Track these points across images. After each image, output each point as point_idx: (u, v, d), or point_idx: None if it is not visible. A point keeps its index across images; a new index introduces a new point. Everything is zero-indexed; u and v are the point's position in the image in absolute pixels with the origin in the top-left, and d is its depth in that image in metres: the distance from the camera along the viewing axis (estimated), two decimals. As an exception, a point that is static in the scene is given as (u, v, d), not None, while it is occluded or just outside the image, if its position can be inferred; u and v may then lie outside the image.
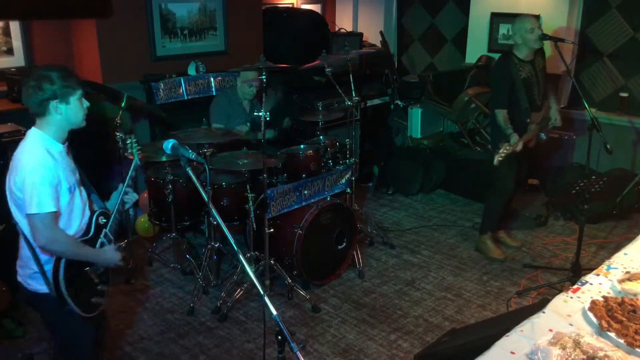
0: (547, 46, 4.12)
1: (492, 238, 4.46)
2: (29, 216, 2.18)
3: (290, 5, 6.69)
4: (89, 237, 2.40)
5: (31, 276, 2.33)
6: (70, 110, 2.26)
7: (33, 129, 2.28)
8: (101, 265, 2.42)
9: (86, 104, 2.33)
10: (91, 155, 4.61)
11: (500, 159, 3.58)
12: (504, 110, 3.97)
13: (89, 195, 2.48)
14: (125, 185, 2.58)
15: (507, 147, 3.59)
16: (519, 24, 3.98)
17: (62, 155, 2.31)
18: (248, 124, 4.38)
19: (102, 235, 2.44)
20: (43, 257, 2.28)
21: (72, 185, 2.32)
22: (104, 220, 2.46)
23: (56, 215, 2.23)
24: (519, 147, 3.77)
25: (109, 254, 2.42)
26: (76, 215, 2.36)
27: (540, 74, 4.08)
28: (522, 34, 3.95)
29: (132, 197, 2.61)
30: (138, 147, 2.73)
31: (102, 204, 2.54)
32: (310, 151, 4.10)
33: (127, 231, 4.16)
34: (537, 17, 4.05)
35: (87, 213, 2.42)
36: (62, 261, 2.25)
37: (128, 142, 2.74)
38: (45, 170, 2.18)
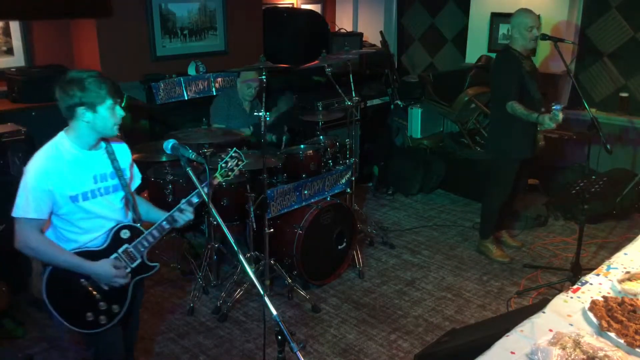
0: (547, 46, 4.12)
1: (493, 241, 4.44)
2: (13, 218, 2.17)
3: (290, 5, 6.68)
4: (101, 249, 2.28)
5: None
6: (97, 119, 2.16)
7: (61, 132, 2.23)
8: (97, 279, 2.26)
9: (121, 113, 2.21)
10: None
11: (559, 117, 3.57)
12: (515, 101, 3.80)
13: (129, 203, 2.37)
14: (185, 201, 2.35)
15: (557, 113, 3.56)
16: (520, 19, 3.88)
17: (79, 161, 2.22)
18: (251, 127, 4.38)
19: (120, 250, 2.30)
20: None
21: (84, 193, 2.22)
22: (128, 235, 2.33)
23: (42, 222, 2.18)
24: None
25: (100, 267, 2.24)
26: (91, 224, 2.26)
27: (535, 71, 4.04)
28: (521, 29, 3.87)
29: (186, 217, 2.35)
30: (234, 166, 2.44)
31: (156, 215, 2.44)
32: (310, 151, 4.10)
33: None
34: (537, 17, 4.00)
35: (112, 222, 2.31)
36: (48, 267, 2.21)
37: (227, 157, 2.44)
38: (38, 176, 2.12)
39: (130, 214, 2.41)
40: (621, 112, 5.31)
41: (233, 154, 2.44)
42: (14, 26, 4.42)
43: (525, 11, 3.92)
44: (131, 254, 2.33)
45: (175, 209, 2.35)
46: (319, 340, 3.41)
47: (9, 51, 4.43)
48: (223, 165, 2.42)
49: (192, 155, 2.24)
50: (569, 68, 4.30)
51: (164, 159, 3.84)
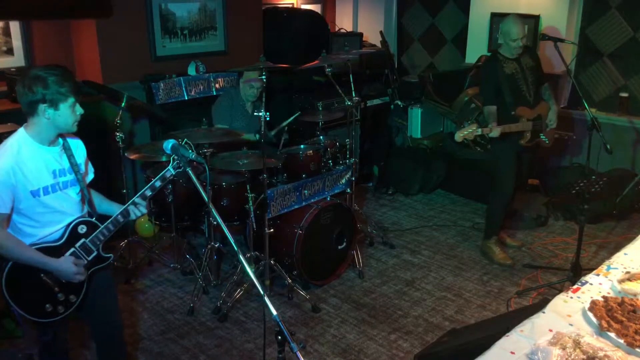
0: (548, 46, 4.13)
1: (497, 242, 4.42)
2: None
3: (290, 5, 6.68)
4: (58, 244, 2.33)
5: None
6: (58, 117, 2.24)
7: (21, 128, 2.29)
8: (58, 275, 2.32)
9: (80, 111, 2.30)
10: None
11: (462, 135, 3.76)
12: (490, 107, 4.07)
13: (86, 200, 2.44)
14: (138, 195, 2.40)
15: (474, 127, 3.77)
16: (506, 28, 4.02)
17: (40, 157, 2.28)
18: (257, 135, 4.37)
19: (77, 245, 2.36)
20: None
21: (45, 188, 2.28)
22: (85, 230, 2.39)
23: (5, 217, 2.23)
24: (495, 133, 3.86)
25: (62, 265, 2.30)
26: (50, 218, 2.33)
27: (528, 71, 4.11)
28: (506, 39, 4.04)
29: (139, 211, 2.42)
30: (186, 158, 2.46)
31: (109, 206, 2.53)
32: (310, 151, 4.10)
33: (127, 231, 4.17)
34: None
35: (70, 216, 2.38)
36: (9, 262, 2.25)
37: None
38: (1, 171, 2.17)
39: (86, 208, 2.49)
40: (621, 112, 5.30)
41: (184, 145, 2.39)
42: (14, 26, 4.42)
43: (514, 21, 4.01)
44: (88, 247, 2.39)
45: (129, 202, 2.41)
46: (319, 340, 3.41)
47: (9, 51, 4.42)
48: (175, 157, 2.34)
49: (192, 155, 2.26)
50: (569, 68, 4.29)
51: (164, 159, 3.84)
